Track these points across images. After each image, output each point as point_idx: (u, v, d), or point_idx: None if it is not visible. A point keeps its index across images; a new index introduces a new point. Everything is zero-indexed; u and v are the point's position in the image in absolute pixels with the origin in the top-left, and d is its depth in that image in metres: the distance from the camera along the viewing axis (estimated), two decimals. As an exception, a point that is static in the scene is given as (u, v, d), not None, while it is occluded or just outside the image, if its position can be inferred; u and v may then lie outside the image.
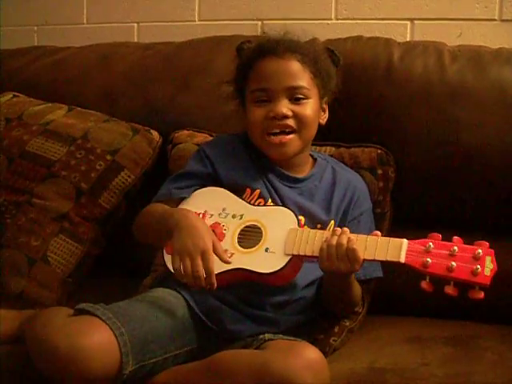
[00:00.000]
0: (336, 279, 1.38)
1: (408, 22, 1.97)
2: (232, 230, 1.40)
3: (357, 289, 1.46)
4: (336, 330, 1.49)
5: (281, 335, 1.36)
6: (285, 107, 1.45)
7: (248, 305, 1.40)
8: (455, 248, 1.22)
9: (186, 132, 1.78)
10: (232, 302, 1.39)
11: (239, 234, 1.39)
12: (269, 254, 1.34)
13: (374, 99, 1.70)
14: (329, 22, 2.04)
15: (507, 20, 1.89)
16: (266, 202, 1.46)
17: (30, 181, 1.74)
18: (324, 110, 1.55)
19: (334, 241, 1.29)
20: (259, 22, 2.10)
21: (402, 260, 1.24)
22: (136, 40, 2.23)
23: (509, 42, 1.84)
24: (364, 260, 1.28)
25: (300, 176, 1.53)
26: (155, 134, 1.80)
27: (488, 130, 1.61)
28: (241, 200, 1.44)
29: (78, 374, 1.17)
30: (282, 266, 1.32)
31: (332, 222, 1.48)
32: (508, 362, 1.35)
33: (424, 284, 1.22)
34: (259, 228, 1.38)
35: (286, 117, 1.44)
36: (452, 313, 1.57)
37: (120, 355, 1.21)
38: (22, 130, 1.81)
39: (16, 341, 1.43)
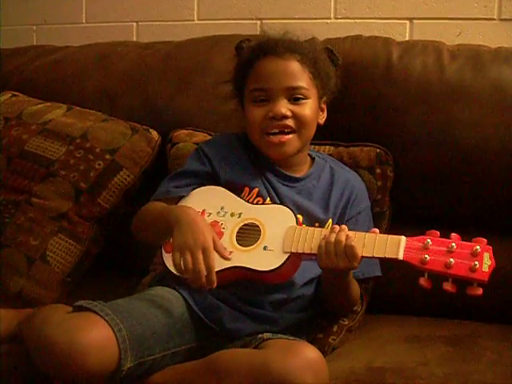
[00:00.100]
0: (334, 277, 1.38)
1: (407, 22, 1.97)
2: (230, 228, 1.39)
3: (355, 287, 1.46)
4: (335, 329, 1.49)
5: (280, 334, 1.36)
6: (284, 107, 1.45)
7: (247, 303, 1.40)
8: (453, 245, 1.22)
9: (185, 131, 1.78)
10: (231, 300, 1.39)
11: (238, 233, 1.38)
12: (267, 251, 1.34)
13: (372, 98, 1.69)
14: (328, 21, 2.04)
15: (506, 19, 1.89)
16: (264, 200, 1.46)
17: (29, 180, 1.73)
18: (323, 110, 1.55)
19: (333, 238, 1.29)
20: (258, 22, 2.09)
21: (401, 257, 1.24)
22: (135, 39, 2.23)
23: (508, 41, 1.84)
24: (362, 257, 1.28)
25: (298, 175, 1.53)
26: (154, 133, 1.80)
27: (487, 129, 1.61)
28: (239, 198, 1.44)
29: (76, 369, 1.17)
30: (280, 263, 1.32)
31: (330, 220, 1.48)
32: (507, 362, 1.34)
33: (422, 281, 1.22)
34: (257, 226, 1.38)
35: (285, 117, 1.45)
36: (451, 312, 1.57)
37: (118, 351, 1.21)
38: (20, 130, 1.81)
39: (15, 340, 1.42)
